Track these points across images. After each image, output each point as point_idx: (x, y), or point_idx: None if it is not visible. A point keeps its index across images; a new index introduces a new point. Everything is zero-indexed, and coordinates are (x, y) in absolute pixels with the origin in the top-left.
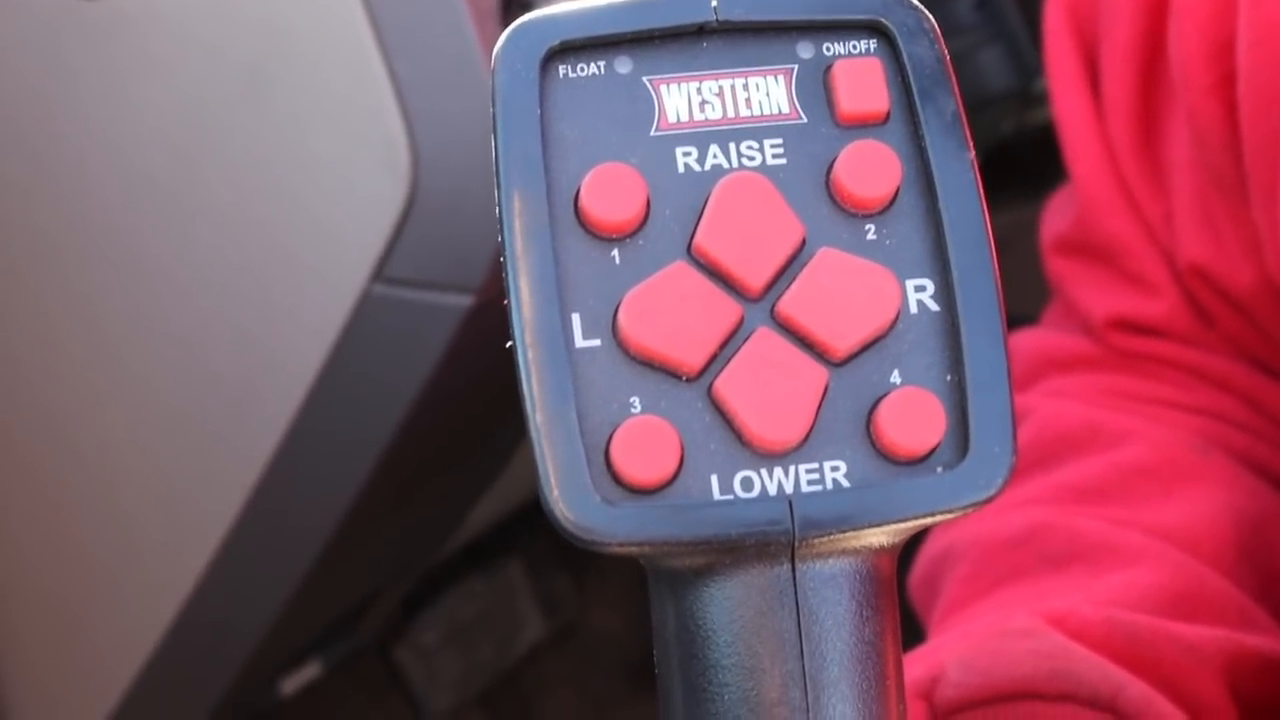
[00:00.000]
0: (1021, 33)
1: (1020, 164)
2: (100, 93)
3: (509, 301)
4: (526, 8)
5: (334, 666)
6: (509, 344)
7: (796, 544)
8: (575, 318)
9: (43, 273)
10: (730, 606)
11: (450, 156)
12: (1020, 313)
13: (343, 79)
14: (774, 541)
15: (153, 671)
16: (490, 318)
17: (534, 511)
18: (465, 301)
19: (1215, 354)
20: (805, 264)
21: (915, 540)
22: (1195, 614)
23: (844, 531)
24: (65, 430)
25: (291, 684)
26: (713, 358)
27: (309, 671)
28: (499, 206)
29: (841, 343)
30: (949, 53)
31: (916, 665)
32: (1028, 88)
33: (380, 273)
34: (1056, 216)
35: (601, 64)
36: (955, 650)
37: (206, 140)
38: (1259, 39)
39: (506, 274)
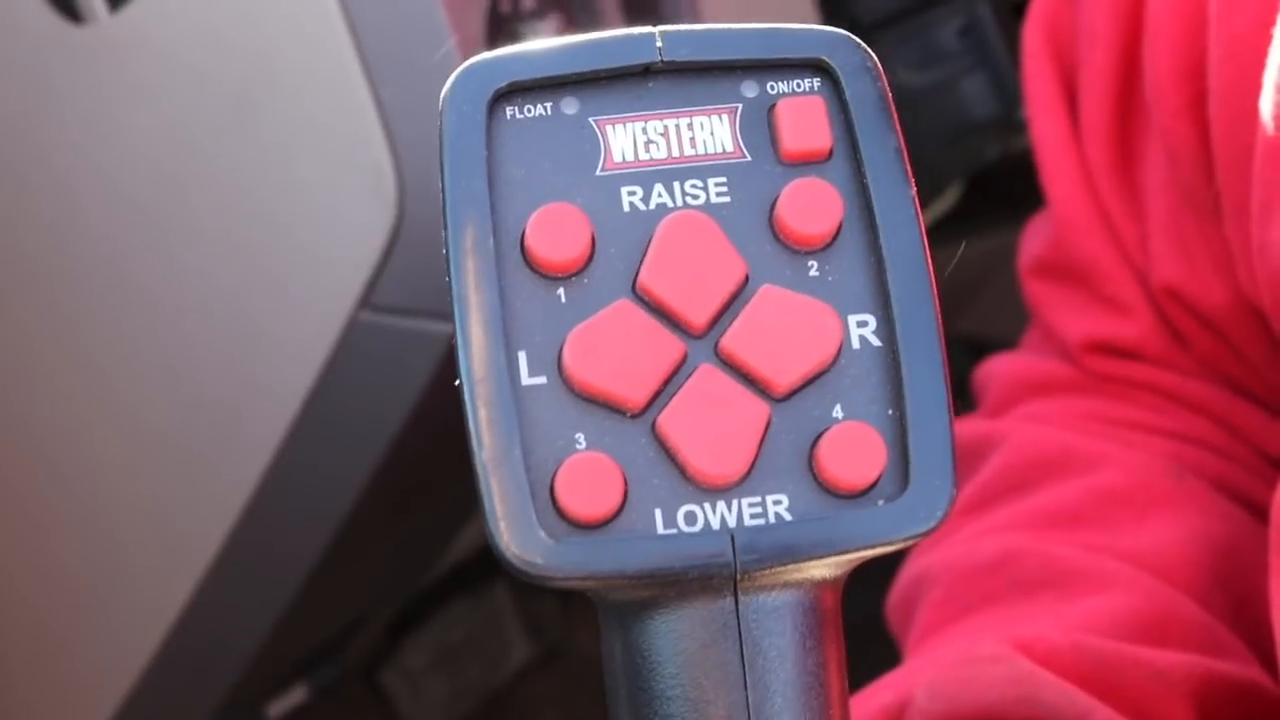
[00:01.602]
0: (1005, 61)
1: (1004, 191)
2: (87, 118)
3: (456, 339)
4: (513, 35)
5: (320, 690)
6: (456, 382)
7: (739, 577)
8: (521, 355)
9: (29, 298)
10: (675, 639)
11: (437, 183)
12: (1003, 337)
13: (329, 106)
14: (717, 575)
15: (139, 696)
16: None
17: None
18: (451, 329)
19: (1191, 377)
20: (747, 301)
21: (893, 565)
22: (1166, 639)
23: (786, 564)
24: (52, 455)
25: (278, 708)
26: (656, 394)
27: (295, 695)
28: (446, 246)
29: (783, 378)
30: (934, 80)
31: (886, 691)
32: (1011, 115)
33: (367, 300)
34: (1034, 239)
35: (548, 105)
36: (924, 676)
37: (193, 166)
38: (1229, 55)
39: (454, 312)
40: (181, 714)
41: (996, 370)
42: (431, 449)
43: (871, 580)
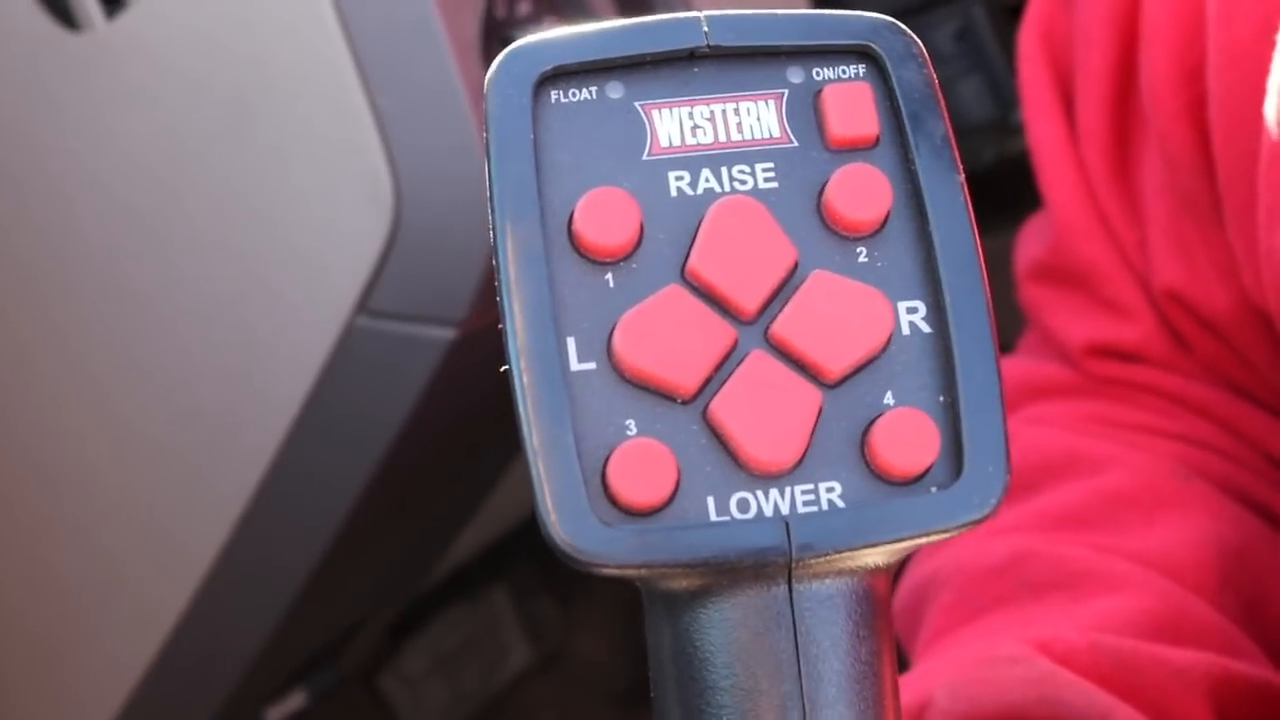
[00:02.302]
0: (1000, 63)
1: (1000, 193)
2: (82, 125)
3: (503, 325)
4: (507, 41)
5: (319, 696)
6: (504, 368)
7: (793, 565)
8: (570, 341)
9: (23, 305)
10: (727, 628)
11: (433, 189)
12: (999, 340)
13: (325, 112)
14: (771, 563)
15: (136, 706)
16: (473, 351)
17: (519, 538)
18: (448, 334)
19: (1193, 379)
20: (798, 287)
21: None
22: (1180, 640)
23: (840, 552)
24: (46, 463)
25: (276, 713)
26: (707, 380)
27: (294, 701)
28: (493, 231)
29: (835, 364)
30: None
31: (905, 692)
32: (1007, 117)
33: (363, 305)
34: (1031, 243)
35: (594, 89)
36: (943, 677)
37: (189, 173)
38: (1229, 62)
39: (501, 298)
40: None
41: None
42: (429, 454)
43: None
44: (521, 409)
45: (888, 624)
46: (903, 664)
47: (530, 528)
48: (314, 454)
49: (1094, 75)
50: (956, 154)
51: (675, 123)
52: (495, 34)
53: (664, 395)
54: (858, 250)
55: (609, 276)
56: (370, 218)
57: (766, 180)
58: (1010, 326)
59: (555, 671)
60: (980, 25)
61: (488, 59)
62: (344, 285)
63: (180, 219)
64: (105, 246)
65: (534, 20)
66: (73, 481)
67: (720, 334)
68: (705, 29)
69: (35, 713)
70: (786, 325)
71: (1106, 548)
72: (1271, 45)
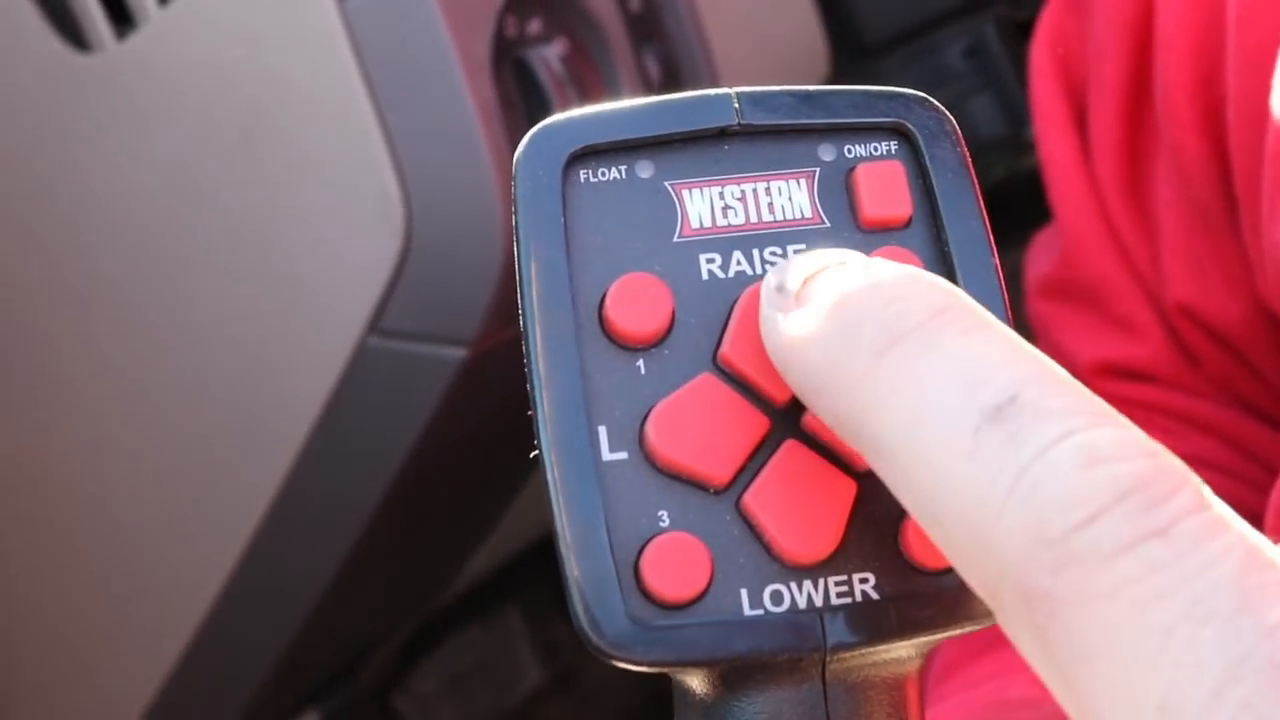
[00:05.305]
0: (1012, 80)
1: (1011, 211)
2: (92, 146)
3: (534, 412)
4: (519, 61)
5: (332, 716)
6: (533, 454)
7: (827, 659)
8: (602, 430)
9: (34, 327)
10: None
11: (444, 209)
12: None
13: (336, 132)
14: (806, 657)
15: None
16: (485, 370)
17: (533, 558)
18: (460, 354)
19: (1201, 398)
20: None
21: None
22: None
23: (875, 645)
24: (60, 483)
25: None
26: (741, 470)
27: None
28: (522, 315)
29: None
30: (940, 100)
31: None
32: (1018, 135)
33: (375, 325)
34: (1041, 258)
35: (623, 168)
36: None
37: (200, 194)
38: (1249, 65)
39: (531, 384)
40: None
41: None
42: (441, 474)
43: None
44: (553, 499)
45: (919, 711)
46: None
47: (544, 548)
48: (326, 474)
49: (1108, 88)
50: (990, 235)
51: (706, 203)
52: (505, 52)
53: (697, 485)
54: None
55: (641, 363)
56: (381, 237)
57: None
58: None
59: (568, 692)
60: (991, 42)
61: (498, 77)
62: (355, 305)
63: (191, 239)
64: (116, 268)
65: (544, 40)
66: (86, 500)
67: (753, 423)
68: (736, 106)
69: None
70: None
71: None
72: None
